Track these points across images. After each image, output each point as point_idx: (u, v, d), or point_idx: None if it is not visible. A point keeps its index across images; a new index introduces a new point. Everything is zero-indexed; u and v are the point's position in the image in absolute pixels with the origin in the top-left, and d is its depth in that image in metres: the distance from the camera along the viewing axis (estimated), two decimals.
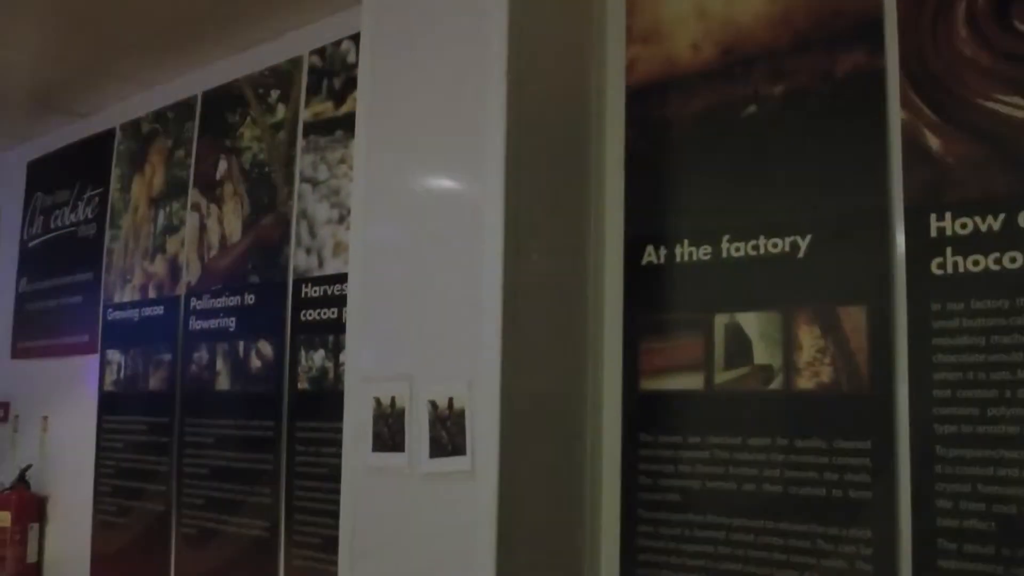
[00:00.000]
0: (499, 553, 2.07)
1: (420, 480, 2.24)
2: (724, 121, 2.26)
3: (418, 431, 2.24)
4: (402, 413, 2.27)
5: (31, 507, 4.56)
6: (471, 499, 2.13)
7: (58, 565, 4.51)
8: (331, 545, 2.99)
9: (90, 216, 4.56)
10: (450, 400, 2.18)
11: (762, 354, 2.13)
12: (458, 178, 2.29)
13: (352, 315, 2.47)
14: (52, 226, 4.88)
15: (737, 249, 2.20)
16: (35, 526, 4.55)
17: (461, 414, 2.15)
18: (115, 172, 4.42)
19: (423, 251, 2.32)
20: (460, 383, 2.17)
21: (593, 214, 2.42)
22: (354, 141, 3.03)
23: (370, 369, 2.39)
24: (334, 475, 3.00)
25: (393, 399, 2.29)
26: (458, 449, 2.16)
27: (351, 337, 2.47)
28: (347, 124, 3.17)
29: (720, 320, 2.20)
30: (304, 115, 3.38)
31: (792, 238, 2.12)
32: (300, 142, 3.38)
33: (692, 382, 2.24)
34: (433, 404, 2.21)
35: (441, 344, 2.24)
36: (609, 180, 2.45)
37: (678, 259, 2.30)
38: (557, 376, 2.31)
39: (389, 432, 2.30)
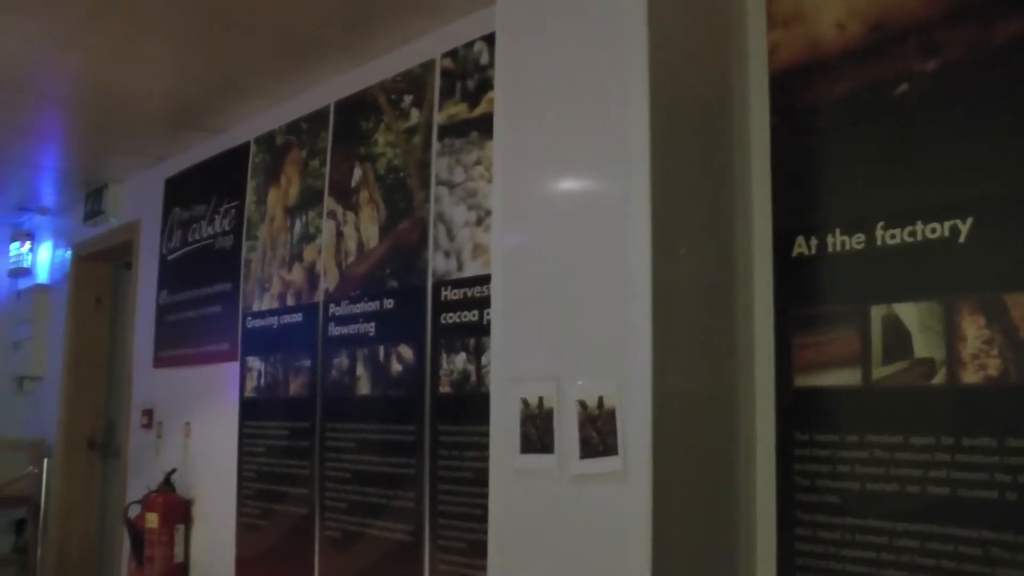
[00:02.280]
0: (654, 556, 2.03)
1: (570, 482, 2.22)
2: (874, 102, 2.17)
3: (567, 432, 2.22)
4: (550, 414, 2.25)
5: (177, 509, 4.70)
6: (624, 501, 2.09)
7: (204, 565, 4.63)
8: (477, 550, 2.99)
9: (227, 228, 4.67)
10: (600, 399, 2.15)
11: (923, 347, 2.03)
12: (600, 176, 2.26)
13: (496, 317, 2.47)
14: (190, 239, 5.03)
15: (892, 236, 2.11)
16: (181, 527, 4.69)
17: (612, 413, 2.13)
18: (251, 184, 4.52)
19: (566, 251, 2.30)
20: (610, 382, 2.14)
21: (740, 206, 2.37)
22: (491, 143, 3.05)
23: (516, 370, 2.38)
24: (478, 479, 3.01)
25: (540, 400, 2.28)
26: (609, 449, 2.13)
27: (496, 338, 2.46)
28: (482, 125, 3.18)
29: (877, 312, 2.12)
30: (438, 118, 3.40)
31: (952, 222, 2.02)
32: (435, 145, 3.40)
33: (848, 378, 2.15)
34: (582, 404, 2.19)
35: (588, 343, 2.22)
36: (755, 170, 2.38)
37: (830, 249, 2.22)
38: (708, 373, 2.27)
39: (537, 433, 2.28)
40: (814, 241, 2.25)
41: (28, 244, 7.24)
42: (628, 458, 2.09)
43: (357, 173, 3.77)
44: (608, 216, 2.21)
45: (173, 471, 4.82)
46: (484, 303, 3.07)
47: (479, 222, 3.17)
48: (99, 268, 6.64)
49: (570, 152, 2.34)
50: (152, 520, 4.64)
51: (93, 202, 6.25)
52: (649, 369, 2.07)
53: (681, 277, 2.18)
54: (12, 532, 6.95)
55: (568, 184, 2.34)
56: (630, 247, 2.13)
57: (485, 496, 2.87)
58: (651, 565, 2.03)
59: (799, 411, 2.24)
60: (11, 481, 5.89)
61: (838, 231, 2.20)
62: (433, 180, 3.39)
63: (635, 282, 2.10)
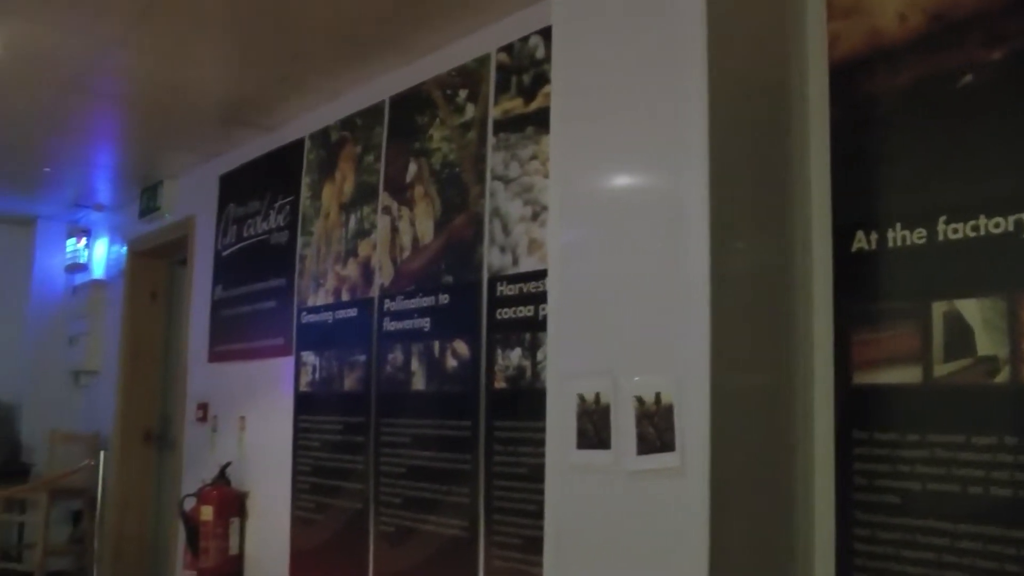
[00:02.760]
0: (712, 554, 2.03)
1: (627, 478, 2.22)
2: (937, 93, 2.14)
3: (624, 427, 2.22)
4: (607, 409, 2.26)
5: (232, 502, 4.77)
6: (681, 497, 2.09)
7: (258, 558, 4.69)
8: (532, 546, 3.01)
9: (282, 224, 4.73)
10: (657, 395, 2.15)
11: (986, 344, 2.01)
12: (658, 170, 2.26)
13: (553, 313, 2.47)
14: (245, 235, 5.09)
15: (955, 231, 2.08)
16: (236, 520, 4.75)
17: (669, 409, 2.13)
18: (305, 180, 4.57)
19: (623, 246, 2.31)
20: (667, 377, 2.14)
21: (799, 200, 2.36)
22: (547, 138, 3.06)
23: (572, 366, 2.38)
24: (533, 475, 3.02)
25: (597, 395, 2.28)
26: (667, 445, 2.13)
27: (552, 334, 2.47)
28: (538, 120, 3.19)
29: (938, 308, 2.09)
30: (493, 113, 3.41)
31: (1016, 216, 1.98)
32: (490, 140, 3.41)
33: (909, 375, 2.12)
34: (639, 399, 2.19)
35: (645, 339, 2.22)
36: (814, 164, 2.37)
37: (891, 244, 2.19)
38: (766, 369, 2.26)
39: (594, 429, 2.29)
40: (874, 236, 2.23)
41: (84, 240, 7.36)
42: (686, 454, 2.09)
43: (412, 168, 3.80)
44: (666, 211, 2.21)
45: (228, 464, 4.89)
46: (540, 298, 3.08)
47: (535, 217, 3.17)
48: (154, 264, 6.74)
49: (627, 147, 2.34)
50: (207, 513, 4.70)
51: (148, 199, 6.35)
52: (707, 365, 2.07)
53: (739, 272, 2.18)
54: (69, 523, 7.09)
55: (625, 179, 2.35)
56: (688, 242, 2.12)
57: (540, 492, 2.89)
58: (708, 562, 2.03)
59: (858, 409, 2.22)
60: (68, 473, 6.00)
61: (899, 225, 2.18)
62: (488, 175, 3.41)
63: (693, 277, 2.10)
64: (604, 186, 2.39)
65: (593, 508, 2.31)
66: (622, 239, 2.31)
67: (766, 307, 2.27)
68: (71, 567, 7.12)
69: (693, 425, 2.08)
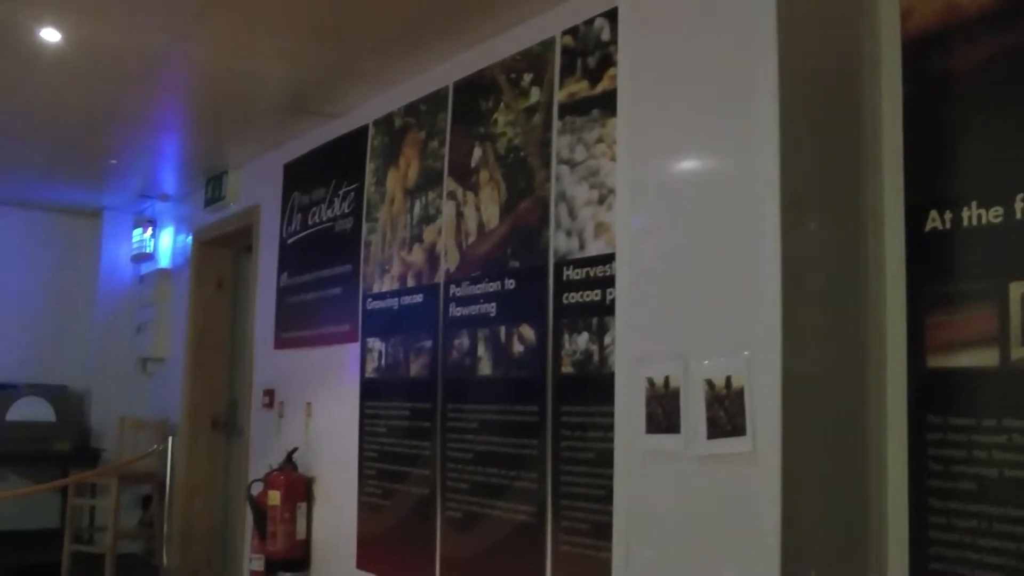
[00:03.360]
0: (784, 539, 2.02)
1: (697, 462, 2.22)
2: (1014, 68, 2.09)
3: (694, 411, 2.22)
4: (676, 393, 2.26)
5: (299, 487, 4.83)
6: (752, 482, 2.09)
7: (326, 543, 4.75)
8: (600, 531, 3.01)
9: (346, 211, 4.77)
10: (727, 379, 2.15)
11: None
12: (728, 151, 2.26)
13: (621, 297, 2.48)
14: (310, 222, 5.15)
15: None
16: (303, 505, 4.82)
17: (740, 393, 2.12)
18: (369, 167, 4.61)
19: (693, 228, 2.31)
20: (738, 361, 2.14)
21: (871, 179, 2.33)
22: (614, 121, 3.06)
23: (642, 349, 2.39)
24: (601, 460, 3.03)
25: (667, 379, 2.28)
26: (737, 430, 2.12)
27: (621, 318, 2.48)
28: (604, 103, 3.18)
29: (1016, 289, 2.05)
30: (559, 96, 3.41)
31: None
32: (556, 124, 3.41)
33: (985, 358, 2.08)
34: (709, 383, 2.19)
35: (715, 322, 2.21)
36: (886, 141, 2.33)
37: (966, 223, 2.15)
38: (838, 352, 2.24)
39: (663, 413, 2.29)
40: (948, 215, 2.19)
41: (150, 230, 7.49)
42: (757, 439, 2.09)
43: (477, 153, 3.82)
44: (736, 192, 2.20)
45: (295, 450, 4.95)
46: (607, 282, 3.08)
47: (601, 200, 3.17)
48: (220, 252, 6.84)
49: (697, 129, 2.34)
50: (275, 498, 4.77)
51: (213, 188, 6.44)
52: (779, 347, 2.06)
53: (810, 253, 2.16)
54: (139, 508, 7.24)
55: (695, 161, 2.35)
56: (758, 222, 2.12)
57: (608, 477, 2.90)
58: (781, 548, 2.02)
59: (932, 393, 2.19)
60: (137, 458, 6.12)
61: (974, 204, 2.14)
62: (554, 159, 3.41)
63: (764, 258, 2.10)
64: (673, 169, 2.39)
65: (663, 493, 2.32)
66: (692, 222, 2.31)
67: (838, 289, 2.26)
68: (141, 550, 7.28)
69: (764, 409, 2.08)
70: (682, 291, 2.31)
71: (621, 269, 2.49)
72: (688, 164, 2.36)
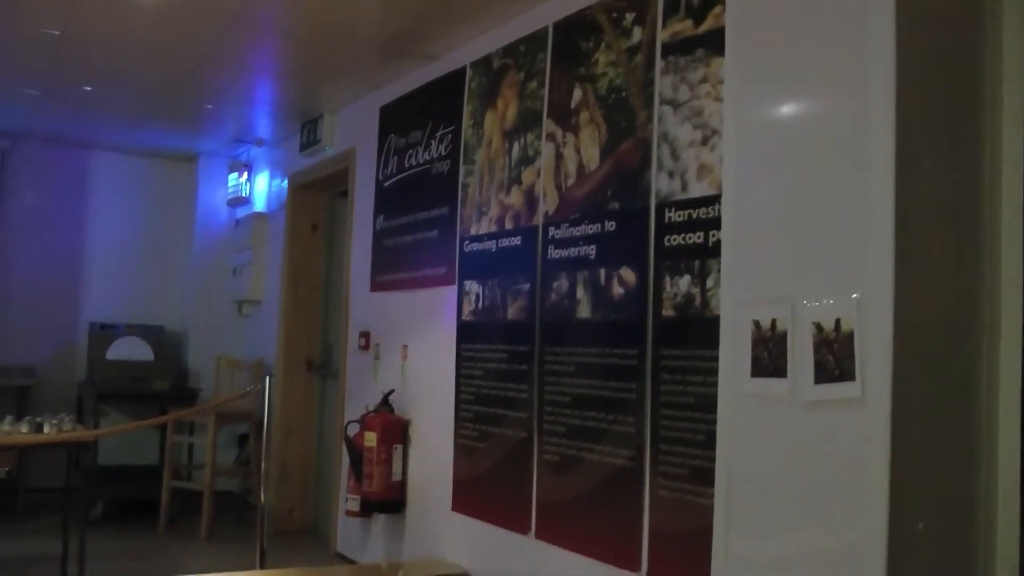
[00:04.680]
0: (892, 488, 2.01)
1: (803, 408, 2.21)
2: None
3: (801, 355, 2.21)
4: (783, 336, 2.25)
5: (395, 429, 4.92)
6: (861, 429, 2.07)
7: (421, 484, 4.84)
8: (700, 476, 3.02)
9: (443, 153, 4.79)
10: (837, 322, 2.13)
11: None
12: (840, 93, 2.21)
13: (727, 238, 2.46)
14: (406, 165, 5.18)
15: None
16: (399, 447, 4.90)
17: (849, 337, 2.10)
18: (467, 109, 4.61)
19: (802, 168, 2.28)
20: (848, 304, 2.11)
21: (989, 118, 2.27)
22: (718, 60, 3.02)
23: (748, 292, 2.37)
24: (702, 404, 3.03)
25: (773, 322, 2.27)
26: (846, 374, 2.11)
27: (727, 260, 2.46)
28: (708, 42, 3.14)
29: None
30: (662, 36, 3.36)
31: None
32: (658, 64, 3.37)
33: None
34: (818, 326, 2.17)
35: (825, 264, 2.19)
36: (1007, 82, 2.27)
37: None
38: (951, 297, 2.20)
39: (769, 357, 2.28)
40: None
41: (245, 175, 7.62)
42: (866, 384, 2.07)
43: (577, 94, 3.80)
44: (849, 132, 2.17)
45: (391, 392, 5.03)
46: (710, 224, 3.06)
47: (705, 141, 3.14)
48: (315, 196, 6.93)
49: (807, 68, 2.30)
50: (371, 439, 4.85)
51: (309, 132, 6.51)
52: (891, 290, 2.04)
53: (925, 194, 2.12)
54: (235, 447, 7.44)
55: (805, 100, 2.31)
56: (872, 162, 2.08)
57: (708, 421, 2.91)
58: (888, 496, 2.01)
59: None
60: (233, 398, 6.26)
61: None
62: (656, 99, 3.37)
63: (877, 198, 2.07)
64: (782, 109, 2.36)
65: (767, 438, 2.31)
66: (801, 162, 2.28)
67: (952, 231, 2.21)
68: (238, 488, 7.49)
69: (875, 354, 2.06)
70: (790, 232, 2.29)
71: (727, 210, 2.48)
72: (798, 103, 2.33)
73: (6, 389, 7.13)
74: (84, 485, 5.42)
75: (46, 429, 5.04)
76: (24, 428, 5.02)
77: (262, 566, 4.89)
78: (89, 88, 6.01)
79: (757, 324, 2.31)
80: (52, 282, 7.74)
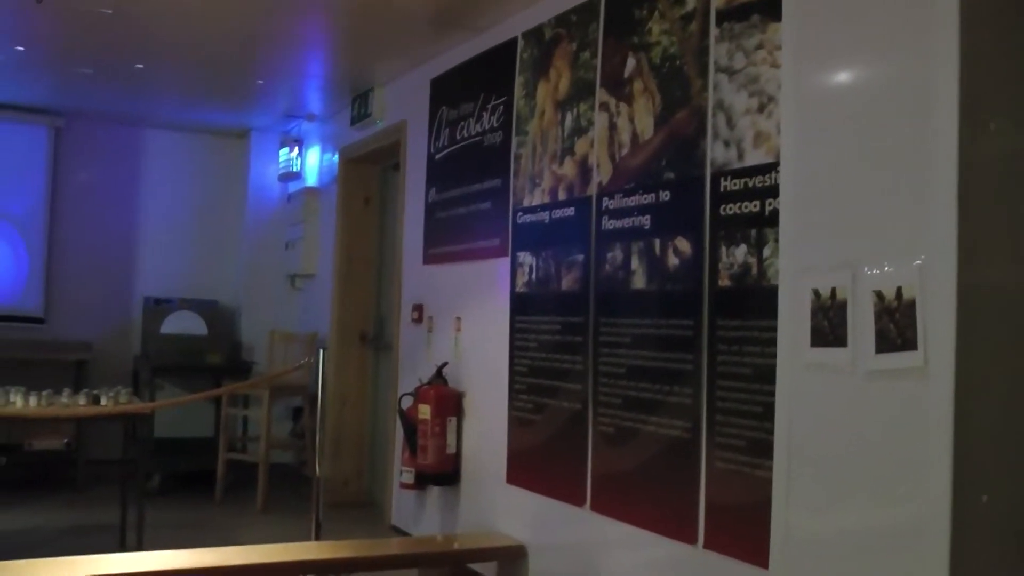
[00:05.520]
0: (955, 460, 1.98)
1: (864, 377, 2.18)
2: None
3: (862, 324, 2.18)
4: (843, 305, 2.22)
5: (449, 401, 4.94)
6: (924, 399, 2.04)
7: (475, 457, 4.87)
8: (758, 448, 3.01)
9: (495, 124, 4.79)
10: (898, 290, 2.10)
11: None
12: (900, 51, 2.17)
13: (786, 206, 2.44)
14: (458, 137, 5.19)
15: None
16: (453, 420, 4.92)
17: (911, 305, 2.07)
18: (519, 80, 4.60)
19: (861, 133, 2.24)
20: (909, 271, 2.09)
21: None
22: (775, 26, 2.99)
23: (807, 260, 2.35)
24: (759, 375, 3.01)
25: (833, 290, 2.25)
26: (908, 344, 2.08)
27: (785, 228, 2.44)
28: (764, 8, 3.09)
29: None
30: (716, 3, 3.32)
31: None
32: (713, 31, 3.34)
33: None
34: (879, 294, 2.14)
35: (886, 231, 2.15)
36: None
37: None
38: (1016, 263, 2.17)
39: (829, 326, 2.26)
40: None
41: (297, 150, 7.66)
42: (929, 353, 2.03)
43: (630, 63, 3.77)
44: (910, 94, 2.13)
45: (445, 364, 5.05)
46: (767, 193, 3.03)
47: (761, 109, 3.10)
48: (367, 169, 6.96)
49: (867, 31, 2.27)
50: (425, 411, 4.89)
51: (360, 106, 6.54)
52: (954, 257, 2.00)
53: (990, 156, 2.08)
54: (290, 419, 7.52)
55: (865, 63, 2.27)
56: (934, 122, 2.04)
57: (766, 393, 2.89)
58: (952, 469, 1.98)
59: None
60: (288, 371, 6.32)
61: None
62: (711, 67, 3.34)
63: (940, 161, 2.03)
64: (841, 73, 2.32)
65: (827, 409, 2.29)
66: (862, 127, 2.25)
67: (1019, 194, 2.17)
68: (292, 460, 7.58)
69: (937, 322, 2.02)
70: (850, 199, 2.25)
71: (786, 178, 2.45)
72: (858, 66, 2.29)
73: (63, 363, 7.27)
74: (141, 456, 5.51)
75: (103, 402, 5.14)
76: (82, 401, 5.12)
77: (317, 537, 4.95)
78: (141, 66, 6.08)
79: (816, 293, 2.28)
80: (107, 258, 7.87)
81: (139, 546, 5.01)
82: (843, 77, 2.32)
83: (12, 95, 7.12)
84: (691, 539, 3.29)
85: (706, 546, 3.23)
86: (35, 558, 3.85)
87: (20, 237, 7.54)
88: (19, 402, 4.97)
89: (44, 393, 5.08)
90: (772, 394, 2.48)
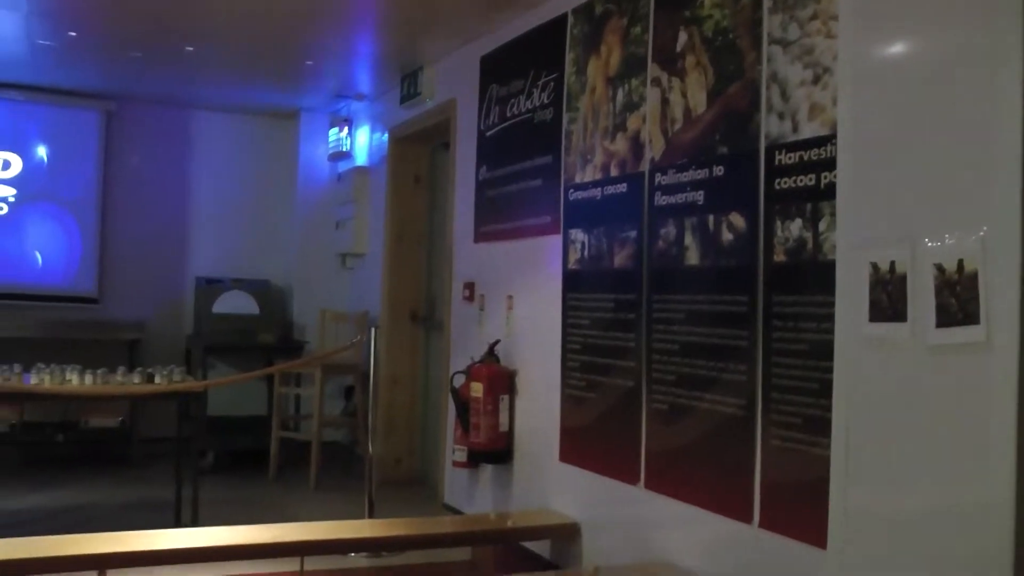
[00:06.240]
0: (1020, 438, 1.95)
1: (925, 352, 2.15)
2: None
3: (922, 298, 2.15)
4: (903, 279, 2.19)
5: (501, 380, 4.95)
6: (986, 374, 2.01)
7: (528, 435, 4.88)
8: (813, 425, 2.98)
9: (546, 101, 4.77)
10: (959, 263, 2.06)
11: None
12: (961, 19, 2.14)
13: (843, 179, 2.41)
14: (508, 114, 5.18)
15: None
16: (505, 398, 4.93)
17: (973, 278, 2.04)
18: (569, 56, 4.58)
19: (920, 101, 2.21)
20: (971, 244, 2.05)
21: None
22: None
23: (865, 233, 2.32)
24: (815, 352, 2.98)
25: (892, 264, 2.22)
26: (970, 318, 2.05)
27: (843, 201, 2.42)
28: None
29: None
30: None
31: None
32: (766, 3, 3.29)
33: None
34: (939, 268, 2.11)
35: (947, 202, 2.12)
36: None
37: None
38: None
39: (888, 300, 2.23)
40: None
41: (346, 129, 7.69)
42: (991, 327, 2.00)
43: (682, 38, 3.74)
44: (971, 62, 2.09)
45: (497, 342, 5.06)
46: (823, 166, 2.99)
47: (816, 80, 3.06)
48: (416, 148, 6.98)
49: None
50: (477, 390, 4.90)
51: (409, 85, 6.54)
52: (1018, 228, 1.96)
53: None
54: (342, 398, 7.58)
55: (925, 33, 2.24)
56: (997, 90, 2.01)
57: (823, 369, 2.87)
58: (1016, 445, 1.95)
59: None
60: (340, 349, 6.37)
61: None
62: (765, 39, 3.30)
63: (1003, 130, 1.99)
64: (900, 43, 2.29)
65: (887, 385, 2.26)
66: (921, 97, 2.21)
67: None
68: (345, 439, 7.65)
69: (1000, 295, 1.99)
70: (909, 171, 2.22)
71: (843, 150, 2.43)
72: (917, 36, 2.25)
73: (117, 343, 7.42)
74: (195, 434, 5.58)
75: (157, 380, 5.22)
76: (136, 379, 5.19)
77: (370, 515, 4.99)
78: (191, 49, 6.14)
79: (875, 267, 2.26)
80: (159, 239, 7.97)
81: (194, 522, 5.09)
82: (902, 46, 2.29)
83: (64, 80, 7.24)
84: (746, 518, 3.28)
85: (761, 525, 3.22)
86: (93, 532, 3.92)
87: (74, 220, 7.66)
88: (75, 380, 5.06)
89: (99, 371, 5.16)
90: (829, 370, 2.46)
